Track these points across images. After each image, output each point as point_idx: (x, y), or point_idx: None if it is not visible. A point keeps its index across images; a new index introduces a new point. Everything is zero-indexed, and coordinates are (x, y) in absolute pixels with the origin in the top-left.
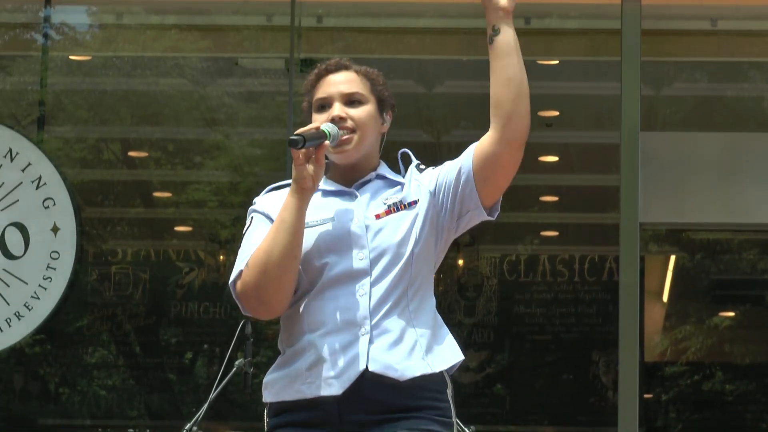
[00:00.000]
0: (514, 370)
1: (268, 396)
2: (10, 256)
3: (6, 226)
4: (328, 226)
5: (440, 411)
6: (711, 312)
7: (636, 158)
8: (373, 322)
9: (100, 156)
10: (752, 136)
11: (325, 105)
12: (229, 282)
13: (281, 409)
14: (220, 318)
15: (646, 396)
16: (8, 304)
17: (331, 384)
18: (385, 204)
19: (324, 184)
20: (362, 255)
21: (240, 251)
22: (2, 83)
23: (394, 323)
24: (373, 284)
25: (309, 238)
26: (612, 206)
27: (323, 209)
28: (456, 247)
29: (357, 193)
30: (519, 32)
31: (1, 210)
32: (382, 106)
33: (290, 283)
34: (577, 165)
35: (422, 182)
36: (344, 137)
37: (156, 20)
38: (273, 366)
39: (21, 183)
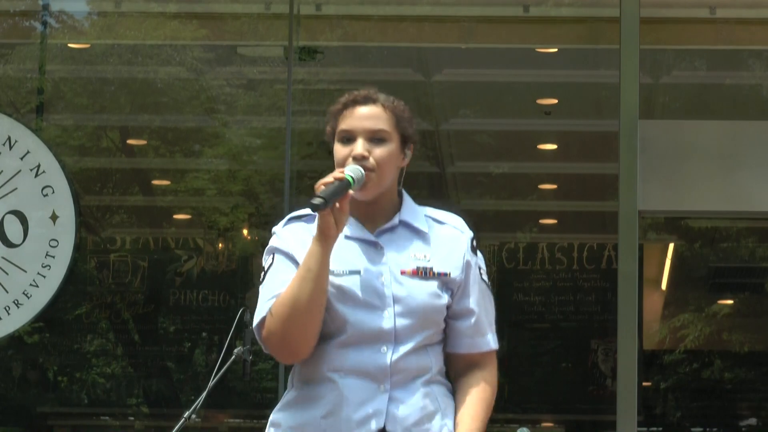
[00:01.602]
0: (512, 359)
1: None
2: (9, 244)
3: (5, 214)
4: (356, 279)
5: None
6: (710, 300)
7: (635, 146)
8: (394, 380)
9: (98, 144)
10: (751, 124)
11: (349, 138)
12: (253, 326)
13: None
14: (218, 306)
15: (644, 384)
16: (7, 292)
17: None
18: (413, 261)
19: (347, 224)
20: (388, 314)
21: (261, 292)
22: (1, 71)
23: (417, 384)
24: (397, 343)
25: (335, 287)
26: (611, 194)
27: (348, 257)
28: None
29: (382, 245)
30: (517, 20)
31: (0, 198)
32: (404, 142)
33: (316, 329)
34: (575, 153)
35: (469, 263)
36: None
37: (155, 8)
38: (282, 403)
39: (20, 171)
